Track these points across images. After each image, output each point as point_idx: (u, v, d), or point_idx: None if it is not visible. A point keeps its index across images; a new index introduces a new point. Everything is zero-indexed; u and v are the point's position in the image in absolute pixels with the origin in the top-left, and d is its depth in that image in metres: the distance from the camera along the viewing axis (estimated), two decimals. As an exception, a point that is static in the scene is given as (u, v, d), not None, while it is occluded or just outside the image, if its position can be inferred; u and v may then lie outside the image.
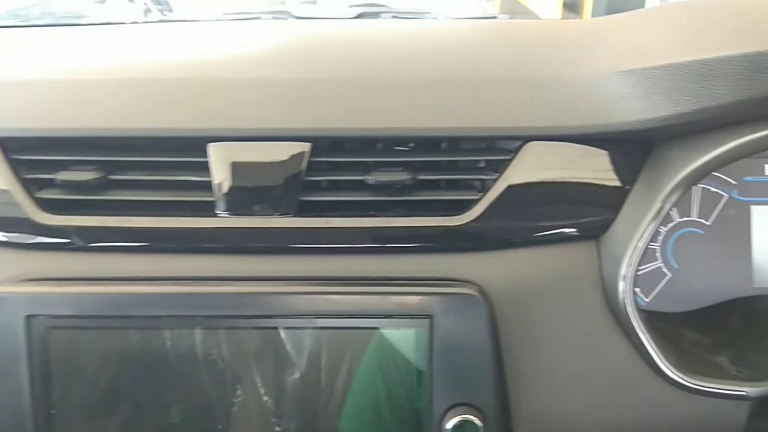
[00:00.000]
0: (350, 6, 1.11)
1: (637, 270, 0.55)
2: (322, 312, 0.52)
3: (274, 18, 1.03)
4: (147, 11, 1.26)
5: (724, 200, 0.59)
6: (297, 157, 0.54)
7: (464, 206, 0.55)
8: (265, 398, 0.54)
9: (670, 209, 0.53)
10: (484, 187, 0.55)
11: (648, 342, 0.52)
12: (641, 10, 0.67)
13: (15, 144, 0.56)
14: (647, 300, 0.59)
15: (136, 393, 0.54)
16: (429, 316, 0.52)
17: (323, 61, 0.59)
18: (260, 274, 0.55)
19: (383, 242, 0.55)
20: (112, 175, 0.56)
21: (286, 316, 0.53)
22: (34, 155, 0.56)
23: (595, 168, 0.55)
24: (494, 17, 1.11)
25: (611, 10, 0.72)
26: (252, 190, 0.54)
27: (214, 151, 0.54)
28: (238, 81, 0.56)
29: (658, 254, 0.59)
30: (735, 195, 0.59)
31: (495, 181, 0.55)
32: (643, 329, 0.52)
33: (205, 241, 0.55)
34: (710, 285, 0.59)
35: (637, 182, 0.55)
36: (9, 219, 0.55)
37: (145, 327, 0.53)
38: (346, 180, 0.56)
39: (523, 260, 0.56)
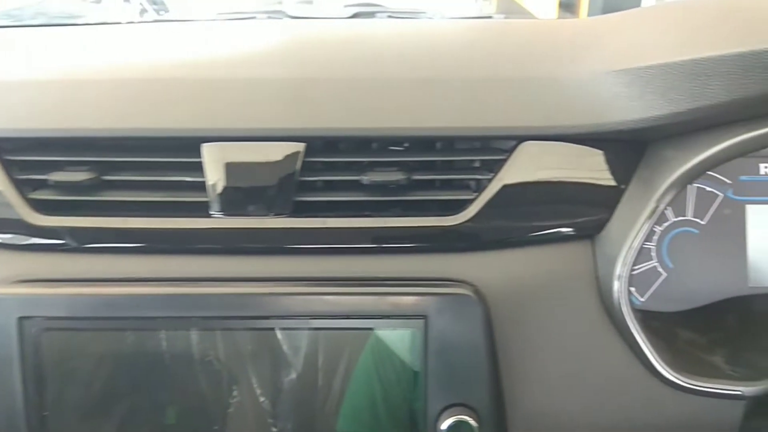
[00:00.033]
0: (346, 6, 1.11)
1: (633, 269, 0.54)
2: (317, 313, 0.52)
3: (269, 18, 1.03)
4: (143, 11, 1.26)
5: (719, 200, 0.59)
6: (291, 158, 0.54)
7: (459, 206, 0.55)
8: (261, 399, 0.53)
9: (665, 209, 0.53)
10: (479, 187, 0.55)
11: (643, 341, 0.52)
12: (636, 9, 0.67)
13: (8, 145, 0.55)
14: (642, 299, 0.59)
15: (130, 395, 0.54)
16: (423, 317, 0.52)
17: (318, 60, 0.59)
18: (255, 274, 0.55)
19: (378, 242, 0.55)
20: (106, 176, 0.55)
21: (280, 317, 0.52)
22: (27, 156, 0.55)
23: (589, 168, 0.55)
24: (489, 17, 1.11)
25: (607, 9, 0.72)
26: (246, 191, 0.54)
27: (207, 151, 0.54)
28: (232, 81, 0.55)
29: (653, 254, 0.59)
30: (730, 194, 0.59)
31: (490, 181, 0.55)
32: (638, 329, 0.52)
33: (199, 241, 0.55)
34: (705, 284, 0.59)
35: (631, 182, 0.55)
36: (2, 220, 0.55)
37: (139, 328, 0.53)
38: (340, 180, 0.56)
39: (518, 260, 0.55)
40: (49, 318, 0.52)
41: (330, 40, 0.66)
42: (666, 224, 0.59)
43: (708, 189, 0.59)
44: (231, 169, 0.54)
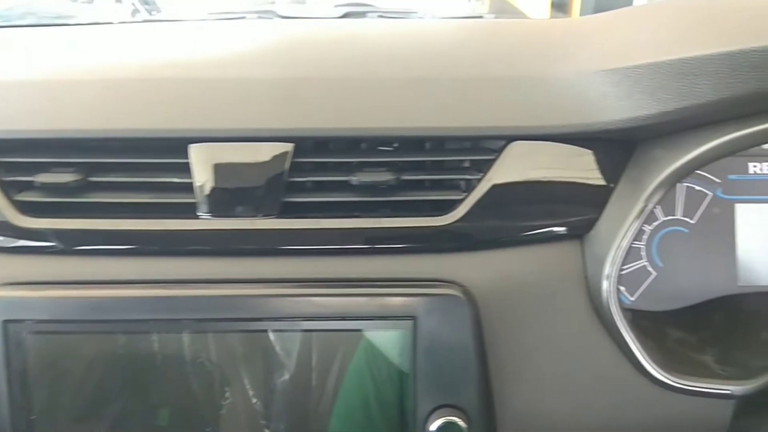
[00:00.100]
0: (336, 5, 1.11)
1: (622, 269, 0.54)
2: (306, 314, 0.52)
3: (260, 17, 1.03)
4: (135, 11, 1.26)
5: (708, 199, 0.59)
6: (280, 158, 0.53)
7: (449, 206, 0.55)
8: (252, 400, 0.53)
9: (654, 208, 0.53)
10: (469, 187, 0.55)
11: (632, 341, 0.52)
12: (626, 8, 0.67)
13: None
14: (632, 299, 0.59)
15: (118, 398, 0.53)
16: (412, 318, 0.51)
17: (306, 60, 0.59)
18: (243, 276, 0.54)
19: (367, 243, 0.55)
20: (93, 177, 0.55)
21: (269, 319, 0.52)
22: (13, 157, 0.55)
23: (578, 167, 0.55)
24: (480, 17, 1.11)
25: (599, 9, 0.72)
26: (234, 192, 0.54)
27: (195, 152, 0.53)
28: (220, 81, 0.55)
29: (643, 253, 0.59)
30: (719, 193, 0.59)
31: (479, 180, 0.54)
32: (627, 328, 0.52)
33: (187, 243, 0.54)
34: (695, 283, 0.59)
35: (620, 181, 0.55)
36: None
37: (125, 331, 0.52)
38: (329, 181, 0.55)
39: (508, 260, 0.55)
40: (35, 321, 0.52)
41: (319, 40, 0.66)
42: (655, 223, 0.59)
43: (697, 188, 0.59)
44: (218, 169, 0.53)
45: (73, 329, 0.52)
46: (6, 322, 0.51)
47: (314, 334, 0.52)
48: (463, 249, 0.55)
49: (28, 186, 0.55)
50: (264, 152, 0.53)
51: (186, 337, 0.52)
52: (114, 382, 0.53)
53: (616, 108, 0.51)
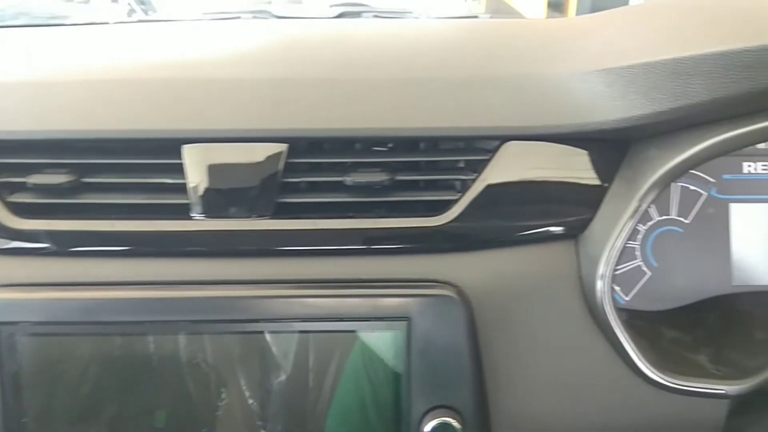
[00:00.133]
0: (331, 5, 1.10)
1: (617, 268, 0.54)
2: (300, 315, 0.52)
3: (255, 17, 1.02)
4: (131, 11, 1.25)
5: (702, 198, 0.59)
6: (273, 159, 0.53)
7: (443, 207, 0.55)
8: (248, 402, 0.53)
9: (648, 207, 0.53)
10: (464, 188, 0.55)
11: (626, 341, 0.52)
12: (622, 8, 0.67)
13: None
14: (627, 298, 0.59)
15: (113, 400, 0.53)
16: (407, 318, 0.51)
17: (300, 60, 0.59)
18: (237, 277, 0.54)
19: (362, 244, 0.55)
20: (85, 178, 0.55)
21: (263, 320, 0.52)
22: (5, 158, 0.55)
23: (572, 167, 0.55)
24: (475, 17, 1.11)
25: (595, 9, 0.72)
26: (227, 193, 0.53)
27: (188, 152, 0.53)
28: (213, 81, 0.55)
29: (637, 253, 0.59)
30: (714, 193, 0.59)
31: (474, 181, 0.54)
32: (622, 328, 0.52)
33: (181, 244, 0.54)
34: (689, 283, 0.59)
35: (614, 181, 0.55)
36: None
37: (119, 333, 0.52)
38: (324, 181, 0.55)
39: (502, 260, 0.55)
40: (29, 323, 0.51)
41: (314, 40, 0.65)
42: (650, 223, 0.59)
43: (692, 188, 0.59)
44: (212, 170, 0.53)
45: (67, 331, 0.52)
46: None
47: (309, 335, 0.52)
48: (458, 249, 0.55)
49: (21, 187, 0.55)
50: (258, 153, 0.53)
51: (180, 339, 0.52)
52: (108, 384, 0.53)
53: (611, 108, 0.51)
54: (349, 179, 0.54)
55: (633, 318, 0.58)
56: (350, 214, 0.55)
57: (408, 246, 0.55)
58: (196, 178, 0.53)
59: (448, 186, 0.56)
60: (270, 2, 1.28)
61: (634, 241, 0.59)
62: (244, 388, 0.53)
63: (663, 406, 0.55)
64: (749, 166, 0.60)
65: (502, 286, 0.55)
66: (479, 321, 0.53)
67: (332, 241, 0.54)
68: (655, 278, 0.59)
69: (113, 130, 0.53)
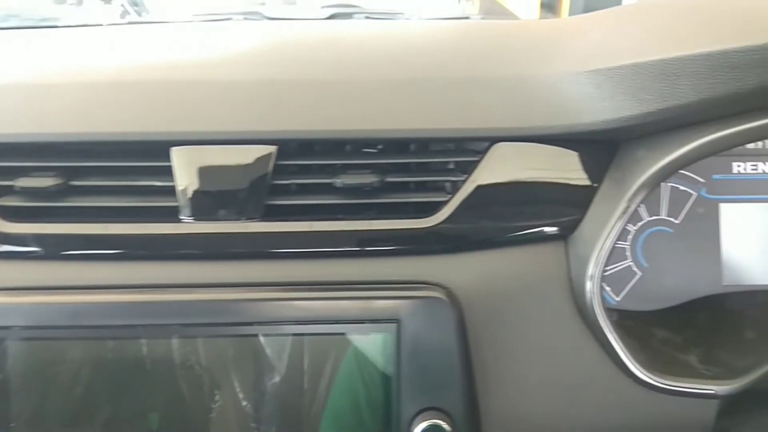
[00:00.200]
0: (323, 6, 1.10)
1: (608, 269, 0.54)
2: (289, 318, 0.52)
3: (246, 19, 1.02)
4: (124, 13, 1.25)
5: (692, 198, 0.60)
6: (262, 161, 0.53)
7: (433, 208, 0.55)
8: (240, 405, 0.53)
9: (638, 207, 0.53)
10: (454, 189, 0.55)
11: (616, 342, 0.52)
12: (613, 8, 0.67)
13: None
14: (617, 299, 0.59)
15: (102, 405, 0.53)
16: (396, 321, 0.51)
17: (290, 62, 0.58)
18: (226, 280, 0.54)
19: (352, 246, 0.54)
20: (74, 181, 0.54)
21: (253, 323, 0.52)
22: None
23: (561, 168, 0.55)
24: (467, 17, 1.11)
25: (588, 9, 0.72)
26: (216, 195, 0.53)
27: (177, 155, 0.53)
28: (202, 83, 0.55)
29: (627, 253, 0.59)
30: (703, 193, 0.60)
31: (464, 182, 0.54)
32: (611, 329, 0.52)
33: (169, 247, 0.54)
34: (680, 283, 0.59)
35: (603, 182, 0.55)
36: None
37: (109, 337, 0.52)
38: (313, 183, 0.55)
39: (492, 262, 0.55)
40: (18, 327, 0.51)
41: (304, 42, 0.65)
42: (640, 223, 0.59)
43: (681, 188, 0.59)
44: (201, 173, 0.53)
45: (58, 335, 0.52)
46: None
47: (298, 338, 0.52)
48: (448, 251, 0.55)
49: (9, 191, 0.54)
50: (247, 155, 0.53)
51: (170, 343, 0.52)
52: (100, 388, 0.52)
53: (599, 109, 0.51)
54: (339, 181, 0.54)
55: (623, 318, 0.58)
56: (340, 216, 0.55)
57: (398, 248, 0.55)
58: (184, 180, 0.53)
59: (438, 187, 0.56)
60: (264, 3, 1.28)
61: (625, 241, 0.59)
62: (235, 391, 0.53)
63: (653, 406, 0.55)
64: (739, 166, 0.60)
65: (492, 288, 0.55)
66: (469, 322, 0.53)
67: (322, 243, 0.54)
68: (645, 278, 0.59)
69: (101, 133, 0.53)
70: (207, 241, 0.54)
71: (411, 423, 0.51)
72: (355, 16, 1.06)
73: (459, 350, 0.52)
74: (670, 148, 0.51)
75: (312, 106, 0.54)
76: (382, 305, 0.52)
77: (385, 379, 0.52)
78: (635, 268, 0.59)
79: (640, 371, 0.52)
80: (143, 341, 0.52)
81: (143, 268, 0.54)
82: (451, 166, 0.56)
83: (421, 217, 0.54)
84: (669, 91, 0.48)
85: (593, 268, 0.52)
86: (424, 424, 0.51)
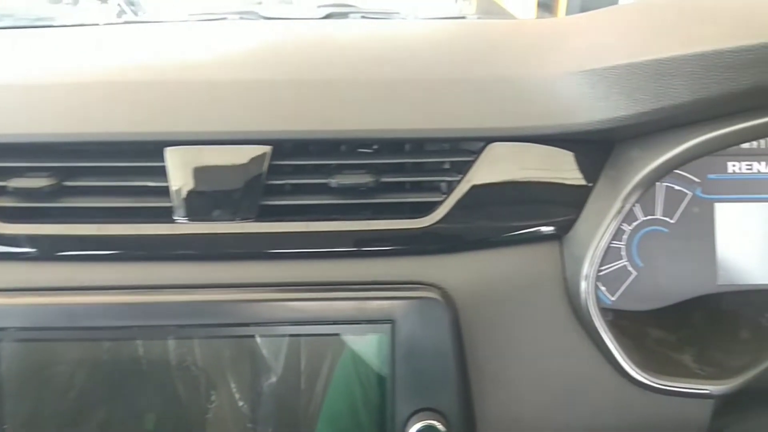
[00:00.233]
0: (319, 6, 1.10)
1: (604, 269, 0.54)
2: (283, 319, 0.52)
3: (242, 18, 1.02)
4: (121, 12, 1.24)
5: (687, 198, 0.60)
6: (257, 161, 0.53)
7: (428, 208, 0.55)
8: (236, 406, 0.52)
9: (633, 207, 0.53)
10: (449, 189, 0.55)
11: (611, 342, 0.52)
12: (609, 8, 0.67)
13: None
14: (613, 299, 0.59)
15: (98, 406, 0.52)
16: (391, 321, 0.51)
17: (285, 62, 0.58)
18: (220, 280, 0.54)
19: (347, 246, 0.54)
20: (67, 182, 0.54)
21: (245, 324, 0.51)
22: None
23: (556, 168, 0.55)
24: (463, 17, 1.11)
25: (585, 9, 0.72)
26: (211, 195, 0.53)
27: (171, 155, 0.53)
28: (196, 83, 0.55)
29: (623, 253, 0.59)
30: (699, 193, 0.60)
31: (459, 182, 0.54)
32: (606, 329, 0.52)
33: (163, 248, 0.54)
34: (675, 283, 0.59)
35: (598, 182, 0.55)
36: None
37: (104, 338, 0.51)
38: (308, 183, 0.55)
39: (487, 262, 0.55)
40: (13, 329, 0.51)
41: (299, 42, 0.65)
42: (635, 223, 0.59)
43: (677, 188, 0.59)
44: (195, 173, 0.53)
45: (52, 337, 0.51)
46: None
47: (293, 338, 0.52)
48: (443, 251, 0.55)
49: (2, 191, 0.54)
50: (241, 155, 0.53)
51: (165, 343, 0.51)
52: (95, 390, 0.52)
53: (594, 109, 0.51)
54: (333, 181, 0.54)
55: (619, 318, 0.58)
56: (335, 217, 0.55)
57: (393, 248, 0.55)
58: (179, 180, 0.53)
59: (433, 187, 0.56)
60: (260, 2, 1.28)
61: (620, 241, 0.59)
62: (227, 391, 0.53)
63: (648, 406, 0.55)
64: (734, 165, 0.60)
65: (487, 288, 0.55)
66: (464, 323, 0.53)
67: (317, 243, 0.54)
68: (640, 278, 0.59)
69: (95, 133, 0.53)
70: (201, 241, 0.54)
71: (406, 424, 0.51)
72: (351, 15, 1.06)
73: (454, 351, 0.52)
74: (664, 148, 0.51)
75: (307, 106, 0.54)
76: (376, 306, 0.51)
77: (380, 379, 0.52)
78: (630, 268, 0.59)
79: (635, 371, 0.52)
80: (138, 342, 0.51)
81: (137, 269, 0.54)
82: (447, 166, 0.56)
83: (416, 218, 0.54)
84: (664, 91, 0.48)
85: (588, 268, 0.52)
86: (418, 425, 0.51)
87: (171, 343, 0.52)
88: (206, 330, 0.52)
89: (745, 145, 0.60)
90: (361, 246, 0.55)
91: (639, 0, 0.68)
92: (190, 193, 0.53)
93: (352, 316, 0.51)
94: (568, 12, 3.28)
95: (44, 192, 0.53)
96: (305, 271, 0.54)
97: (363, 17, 1.05)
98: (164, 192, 0.53)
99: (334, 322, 0.51)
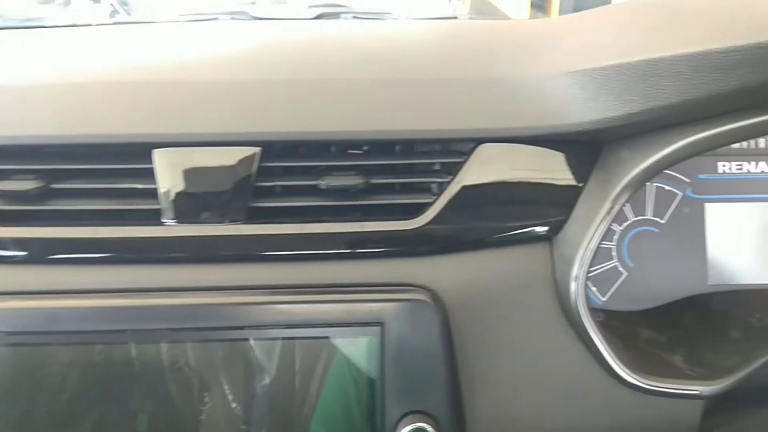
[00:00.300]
0: (310, 6, 1.09)
1: (594, 269, 0.54)
2: (271, 322, 0.51)
3: (233, 19, 1.01)
4: (114, 12, 1.23)
5: (678, 198, 0.60)
6: (246, 163, 0.53)
7: (418, 210, 0.54)
8: (228, 408, 0.52)
9: (623, 207, 0.53)
10: (439, 190, 0.55)
11: (601, 343, 0.52)
12: (600, 8, 0.66)
13: None
14: (604, 299, 0.59)
15: (87, 412, 0.52)
16: (380, 324, 0.51)
17: (274, 63, 0.58)
18: (209, 283, 0.53)
19: (336, 248, 0.54)
20: (55, 184, 0.54)
21: (234, 328, 0.51)
22: None
23: (546, 169, 0.55)
24: (454, 17, 1.11)
25: (578, 9, 0.72)
26: (199, 197, 0.53)
27: (159, 157, 0.52)
28: (184, 84, 0.54)
29: (613, 253, 0.59)
30: (689, 193, 0.60)
31: (449, 183, 0.54)
32: (596, 330, 0.52)
33: (152, 250, 0.53)
34: (666, 283, 0.59)
35: (588, 183, 0.55)
36: None
37: (92, 342, 0.51)
38: (298, 185, 0.55)
39: (477, 263, 0.55)
40: (1, 333, 0.50)
41: (289, 42, 0.65)
42: (626, 224, 0.59)
43: (667, 188, 0.59)
44: (183, 175, 0.52)
45: (41, 341, 0.51)
46: None
47: (282, 342, 0.52)
48: (433, 252, 0.55)
49: None
50: (230, 156, 0.53)
51: (156, 347, 0.51)
52: (83, 395, 0.52)
53: (583, 110, 0.51)
54: (323, 183, 0.53)
55: (610, 319, 0.58)
56: (325, 218, 0.54)
57: (383, 249, 0.55)
58: (167, 183, 0.52)
59: (423, 189, 0.56)
60: (254, 2, 1.27)
61: (610, 241, 0.59)
62: (217, 394, 0.52)
63: (638, 407, 0.55)
64: (724, 165, 0.60)
65: (477, 289, 0.55)
66: (454, 324, 0.53)
67: (306, 245, 0.54)
68: (631, 278, 0.59)
69: (82, 135, 0.52)
70: (190, 244, 0.53)
71: (395, 426, 0.51)
72: (343, 16, 1.06)
73: (443, 353, 0.52)
74: (654, 149, 0.51)
75: (296, 107, 0.53)
76: (365, 308, 0.51)
77: (369, 382, 0.52)
78: (621, 269, 0.59)
79: (625, 372, 0.52)
80: (128, 346, 0.51)
81: (126, 272, 0.54)
82: (437, 167, 0.56)
83: (407, 219, 0.54)
84: (652, 91, 0.47)
85: (578, 269, 0.52)
86: (408, 428, 0.50)
87: (162, 346, 0.51)
88: (195, 333, 0.51)
89: (736, 145, 0.60)
90: (352, 248, 0.54)
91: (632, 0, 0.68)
92: (179, 195, 0.52)
93: (341, 319, 0.51)
94: (561, 12, 3.28)
95: (31, 195, 0.53)
96: (295, 274, 0.54)
97: (354, 17, 1.05)
98: (152, 194, 0.53)
99: (324, 325, 0.51)
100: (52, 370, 0.51)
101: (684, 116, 0.49)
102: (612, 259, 0.59)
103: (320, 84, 0.55)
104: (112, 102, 0.53)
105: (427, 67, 0.57)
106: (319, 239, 0.54)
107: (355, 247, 0.54)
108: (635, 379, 0.52)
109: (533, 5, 3.48)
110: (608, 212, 0.52)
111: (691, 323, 0.60)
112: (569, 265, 0.53)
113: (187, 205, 0.53)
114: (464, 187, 0.54)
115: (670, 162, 0.50)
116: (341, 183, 0.53)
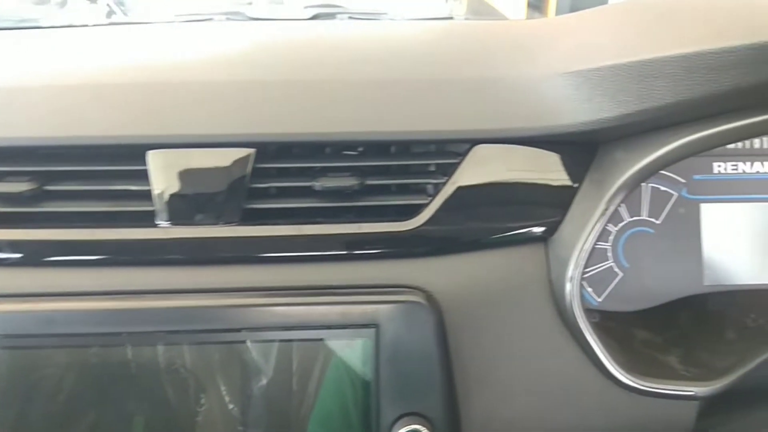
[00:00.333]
0: (306, 7, 1.09)
1: (589, 270, 0.54)
2: (266, 324, 0.51)
3: (228, 19, 1.01)
4: (110, 13, 1.23)
5: (673, 199, 0.60)
6: (240, 164, 0.52)
7: (414, 211, 0.54)
8: (225, 409, 0.52)
9: (619, 208, 0.53)
10: (435, 191, 0.55)
11: (596, 344, 0.52)
12: (596, 8, 0.66)
13: None
14: (599, 300, 0.59)
15: (81, 415, 0.52)
16: (375, 326, 0.51)
17: (269, 63, 0.58)
18: (203, 285, 0.53)
19: (331, 249, 0.54)
20: (48, 186, 0.53)
21: (228, 330, 0.51)
22: None
23: (541, 170, 0.55)
24: (450, 18, 1.11)
25: (574, 9, 0.72)
26: (193, 199, 0.52)
27: (153, 158, 0.52)
28: (178, 85, 0.54)
29: (609, 254, 0.59)
30: (684, 193, 0.60)
31: (444, 184, 0.54)
32: (591, 331, 0.52)
33: (146, 252, 0.53)
34: (661, 284, 0.60)
35: (583, 183, 0.55)
36: None
37: (86, 344, 0.51)
38: (292, 186, 0.54)
39: (472, 264, 0.55)
40: None
41: (284, 43, 0.65)
42: (621, 224, 0.59)
43: (662, 188, 0.59)
44: (177, 176, 0.52)
45: (35, 344, 0.51)
46: None
47: (277, 344, 0.52)
48: (429, 254, 0.55)
49: None
50: (224, 158, 0.52)
51: (151, 349, 0.51)
52: (80, 398, 0.51)
53: (578, 110, 0.51)
54: (318, 184, 0.53)
55: (605, 319, 0.58)
56: (320, 220, 0.54)
57: (379, 251, 0.54)
58: (161, 184, 0.52)
59: (418, 190, 0.56)
60: (250, 3, 1.27)
61: (606, 242, 0.59)
62: (213, 396, 0.52)
63: (633, 408, 0.55)
64: (719, 166, 0.60)
65: (473, 291, 0.54)
66: (449, 326, 0.53)
67: (301, 247, 0.54)
68: (627, 279, 0.59)
69: (76, 137, 0.52)
70: (184, 245, 0.53)
71: (391, 428, 0.51)
72: (338, 16, 1.05)
73: (438, 354, 0.51)
74: (648, 150, 0.51)
75: (291, 108, 0.53)
76: (360, 310, 0.51)
77: (364, 384, 0.52)
78: (616, 269, 0.59)
79: (620, 373, 0.52)
80: (123, 348, 0.51)
81: (120, 274, 0.54)
82: (432, 168, 0.56)
83: (402, 220, 0.54)
84: (646, 92, 0.47)
85: (573, 270, 0.52)
86: (403, 430, 0.50)
87: (158, 349, 0.51)
88: (191, 335, 0.51)
89: (731, 146, 0.60)
90: (347, 249, 0.54)
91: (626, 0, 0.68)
92: (173, 196, 0.52)
93: (336, 321, 0.51)
94: (558, 12, 3.29)
95: (25, 197, 0.53)
96: (290, 275, 0.54)
97: (350, 18, 1.05)
98: (146, 196, 0.53)
99: (318, 327, 0.51)
100: (47, 372, 0.51)
101: (679, 117, 0.49)
102: (607, 260, 0.59)
103: (315, 85, 0.54)
104: (105, 103, 0.53)
105: (423, 67, 0.57)
106: (314, 241, 0.54)
107: (350, 248, 0.54)
108: (630, 380, 0.52)
109: (530, 5, 3.48)
110: (603, 213, 0.52)
111: (687, 324, 0.60)
112: (564, 265, 0.53)
113: (182, 207, 0.53)
114: (459, 188, 0.54)
115: (665, 163, 0.50)
116: (336, 184, 0.53)
